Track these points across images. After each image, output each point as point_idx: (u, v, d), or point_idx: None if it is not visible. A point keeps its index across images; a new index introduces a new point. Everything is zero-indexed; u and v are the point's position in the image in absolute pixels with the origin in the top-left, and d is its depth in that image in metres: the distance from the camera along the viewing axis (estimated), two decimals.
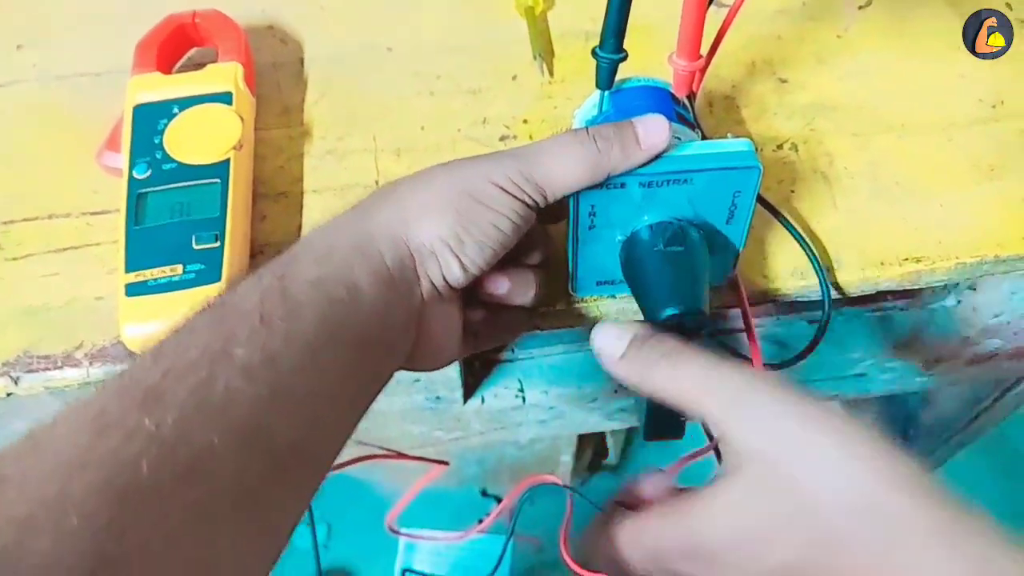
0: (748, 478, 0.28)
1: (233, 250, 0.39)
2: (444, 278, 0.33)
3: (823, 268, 0.41)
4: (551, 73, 0.50)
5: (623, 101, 0.38)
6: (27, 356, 0.39)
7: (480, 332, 0.38)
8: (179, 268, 0.38)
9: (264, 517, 0.27)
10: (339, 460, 0.32)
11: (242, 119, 0.43)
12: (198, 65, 0.47)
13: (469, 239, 0.32)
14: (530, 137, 0.47)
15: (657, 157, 0.33)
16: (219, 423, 0.25)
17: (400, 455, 0.61)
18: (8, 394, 0.39)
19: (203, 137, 0.43)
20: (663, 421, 0.37)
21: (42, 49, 0.52)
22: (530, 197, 0.33)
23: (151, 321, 0.37)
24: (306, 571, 0.73)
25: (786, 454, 0.27)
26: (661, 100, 0.38)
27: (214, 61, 0.47)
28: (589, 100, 0.40)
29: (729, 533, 0.28)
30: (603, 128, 0.33)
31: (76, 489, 0.23)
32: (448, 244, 0.32)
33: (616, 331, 0.33)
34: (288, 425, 0.27)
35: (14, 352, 0.39)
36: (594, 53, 0.35)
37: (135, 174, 0.41)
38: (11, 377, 0.39)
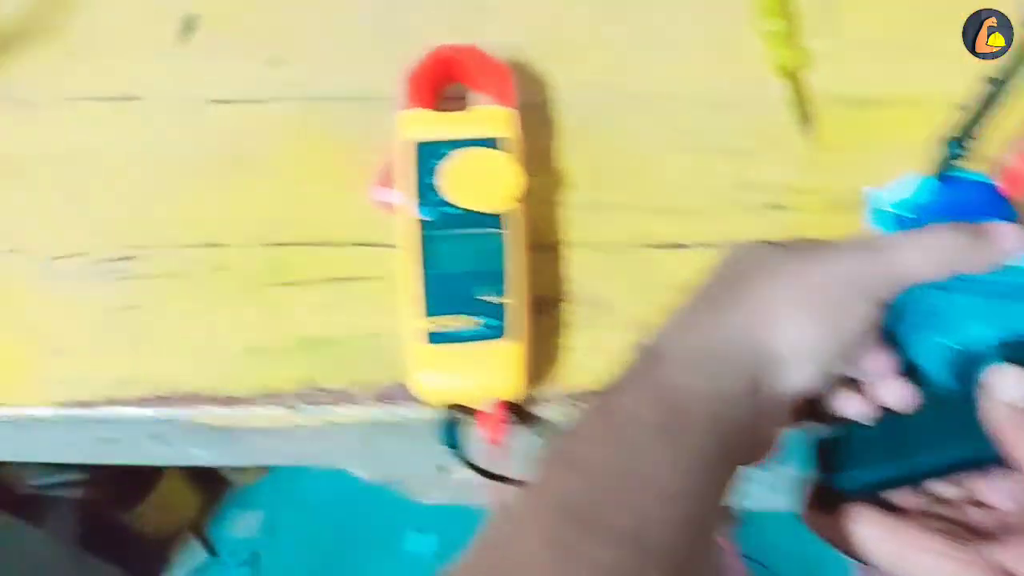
0: None
1: (517, 304, 0.39)
2: (796, 386, 0.32)
3: None
4: (816, 139, 0.49)
5: (950, 194, 0.37)
6: (309, 388, 0.40)
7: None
8: (475, 320, 0.38)
9: None
10: None
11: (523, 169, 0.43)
12: (455, 101, 0.47)
13: (825, 347, 0.31)
14: (802, 210, 0.46)
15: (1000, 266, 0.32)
16: (643, 550, 0.26)
17: None
18: (296, 426, 0.39)
19: (483, 183, 0.42)
20: None
21: (296, 67, 0.52)
22: (884, 298, 0.32)
23: (446, 371, 0.37)
24: None
25: None
26: (993, 198, 0.36)
27: (463, 97, 0.47)
28: (900, 182, 0.39)
29: None
30: (959, 224, 0.33)
31: None
32: (804, 353, 0.31)
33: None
34: (686, 545, 0.27)
35: (297, 383, 0.40)
36: (950, 143, 0.33)
37: (423, 216, 0.41)
38: (295, 408, 0.39)
